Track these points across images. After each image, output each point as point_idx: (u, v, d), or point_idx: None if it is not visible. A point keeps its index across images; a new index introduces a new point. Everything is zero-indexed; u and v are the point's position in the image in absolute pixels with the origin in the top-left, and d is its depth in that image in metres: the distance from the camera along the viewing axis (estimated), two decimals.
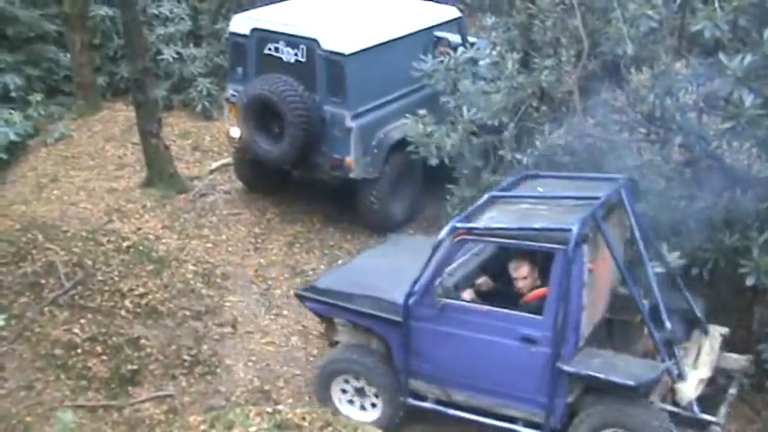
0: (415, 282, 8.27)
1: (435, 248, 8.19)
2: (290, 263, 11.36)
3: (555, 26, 9.80)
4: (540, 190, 8.72)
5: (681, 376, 8.05)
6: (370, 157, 11.39)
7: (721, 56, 8.24)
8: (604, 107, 9.70)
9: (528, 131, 9.81)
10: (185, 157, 13.75)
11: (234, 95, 11.92)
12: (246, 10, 12.78)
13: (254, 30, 11.66)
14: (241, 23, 11.86)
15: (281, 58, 11.50)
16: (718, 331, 8.78)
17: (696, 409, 7.97)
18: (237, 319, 10.32)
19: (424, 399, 8.65)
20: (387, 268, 9.09)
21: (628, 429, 7.81)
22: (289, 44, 11.42)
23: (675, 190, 8.99)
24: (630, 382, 7.64)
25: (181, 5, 16.21)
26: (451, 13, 12.72)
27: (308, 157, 11.48)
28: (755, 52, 8.22)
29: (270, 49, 11.58)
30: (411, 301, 8.31)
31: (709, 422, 7.95)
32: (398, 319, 8.39)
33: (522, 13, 10.24)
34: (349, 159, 11.32)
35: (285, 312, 10.53)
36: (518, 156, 9.66)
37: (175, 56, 15.45)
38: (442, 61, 10.41)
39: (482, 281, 8.67)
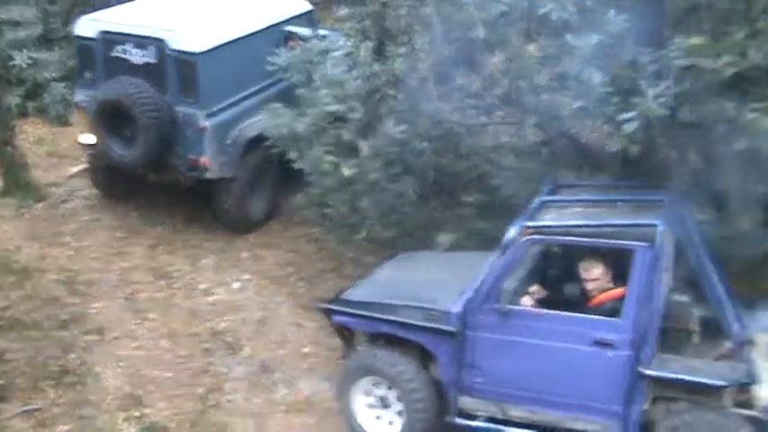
0: (478, 288, 7.90)
1: (504, 249, 7.83)
2: (154, 265, 11.17)
3: (408, 14, 9.84)
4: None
5: (756, 379, 7.58)
6: (225, 156, 11.24)
7: (569, 37, 8.40)
8: (460, 92, 9.81)
9: (380, 119, 9.81)
10: (42, 165, 13.43)
11: (84, 101, 11.60)
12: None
13: (100, 32, 11.36)
14: (87, 26, 11.55)
15: (129, 61, 11.25)
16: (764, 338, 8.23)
17: None
18: (104, 326, 10.08)
19: (472, 418, 8.16)
20: (423, 279, 8.66)
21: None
22: (137, 45, 11.18)
23: (532, 170, 9.14)
24: (721, 383, 7.43)
25: (31, 9, 15.69)
26: (302, 6, 12.67)
27: (163, 160, 11.26)
28: (602, 32, 8.40)
29: (118, 52, 11.31)
30: (470, 308, 7.90)
31: None
32: (452, 329, 7.95)
33: (375, 2, 10.25)
34: (204, 159, 11.14)
35: (151, 316, 10.32)
36: (363, 142, 9.64)
37: (29, 61, 14.96)
38: (301, 57, 10.34)
39: (535, 288, 8.21)
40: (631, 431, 7.70)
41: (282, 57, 10.51)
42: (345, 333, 8.74)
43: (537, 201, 8.39)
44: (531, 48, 9.63)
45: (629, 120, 8.00)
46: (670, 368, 7.57)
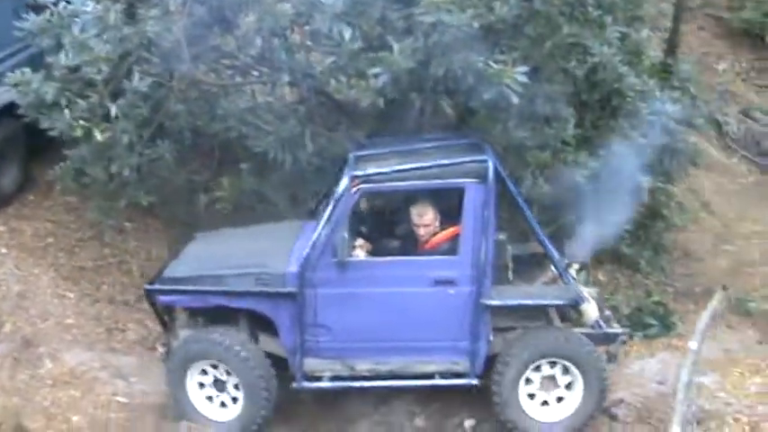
0: (313, 243, 7.77)
1: (336, 202, 7.75)
2: None
3: None
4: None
5: (583, 298, 8.10)
6: None
7: None
8: (214, 52, 9.76)
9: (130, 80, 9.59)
10: None
11: None
12: None
13: None
14: None
15: None
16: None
17: (603, 324, 8.18)
18: None
19: (318, 379, 8.12)
20: (241, 250, 8.45)
21: (559, 357, 7.97)
22: None
23: (289, 129, 9.23)
24: (562, 302, 7.93)
25: None
26: None
27: None
28: None
29: None
30: (307, 265, 7.77)
31: (616, 334, 8.21)
32: (291, 289, 7.81)
33: None
34: None
35: None
36: (109, 104, 9.33)
37: None
38: (49, 20, 9.92)
39: (360, 242, 8.13)
40: (478, 365, 8.00)
41: (31, 21, 10.07)
42: (165, 318, 8.55)
43: (351, 156, 8.44)
44: (285, 6, 9.70)
45: (377, 74, 8.19)
46: (510, 296, 7.96)
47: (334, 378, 8.13)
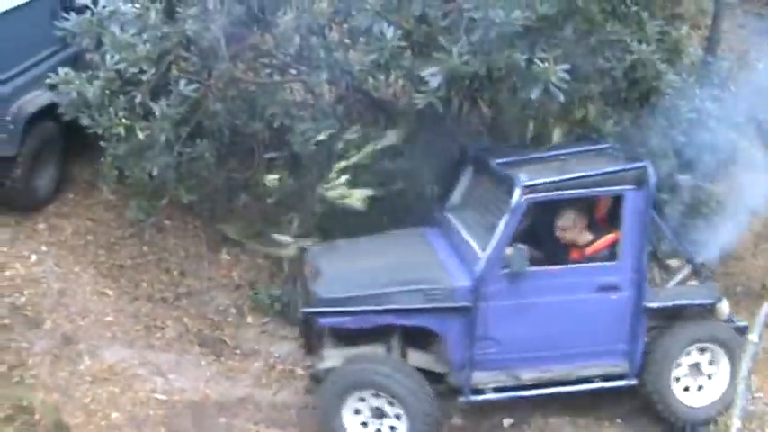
0: (489, 257, 7.79)
1: (512, 213, 7.79)
2: None
3: None
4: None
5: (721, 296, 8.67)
6: (5, 133, 10.37)
7: None
8: (253, 51, 9.80)
9: (175, 80, 9.64)
10: None
11: None
12: None
13: None
14: None
15: None
16: None
17: (734, 318, 8.74)
18: None
19: (481, 392, 8.13)
20: (389, 265, 8.32)
21: (712, 342, 8.52)
22: None
23: (328, 126, 9.25)
24: (711, 301, 8.42)
25: None
26: None
27: None
28: None
29: None
30: (482, 278, 7.77)
31: (745, 326, 8.58)
32: (465, 304, 7.80)
33: None
34: None
35: None
36: (153, 104, 9.42)
37: None
38: (90, 20, 9.97)
39: (524, 248, 7.90)
40: (636, 365, 8.30)
41: (71, 22, 10.14)
42: (310, 341, 8.52)
43: (498, 161, 8.49)
44: (323, 4, 9.72)
45: (433, 75, 8.18)
46: (666, 298, 8.32)
47: (498, 390, 8.18)
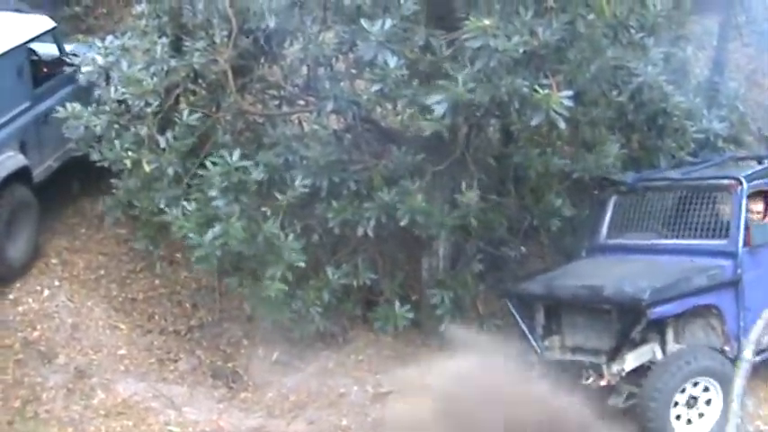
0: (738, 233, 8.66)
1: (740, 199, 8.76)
2: None
3: (205, 8, 9.79)
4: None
5: None
6: None
7: (363, 22, 8.55)
8: (260, 83, 9.87)
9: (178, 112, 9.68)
10: None
11: None
12: None
13: None
14: None
15: None
16: None
17: None
18: None
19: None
20: (646, 269, 8.88)
21: None
22: None
23: (335, 155, 9.29)
24: None
25: None
26: (44, 24, 11.03)
27: None
28: (394, 16, 8.58)
29: None
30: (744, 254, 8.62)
31: None
32: (734, 277, 8.59)
33: None
34: None
35: None
36: (160, 137, 9.50)
37: None
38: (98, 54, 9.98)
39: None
40: None
41: (80, 57, 10.24)
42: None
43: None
44: (329, 35, 9.78)
45: (438, 102, 8.24)
46: None
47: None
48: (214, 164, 8.98)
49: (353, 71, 9.40)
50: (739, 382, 7.10)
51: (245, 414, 9.27)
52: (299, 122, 10.19)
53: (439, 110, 8.26)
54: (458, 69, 8.31)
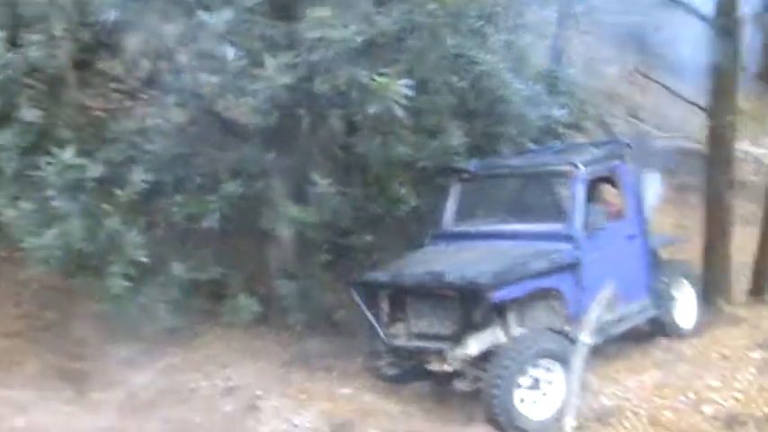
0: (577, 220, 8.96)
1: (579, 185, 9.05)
2: None
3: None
4: None
5: None
6: None
7: (202, 14, 8.48)
8: (101, 77, 9.69)
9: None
10: None
11: None
12: None
13: None
14: None
15: None
16: None
17: None
18: None
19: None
20: (482, 251, 9.04)
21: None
22: None
23: (179, 148, 9.21)
24: None
25: None
26: None
27: None
28: (233, 8, 8.55)
29: None
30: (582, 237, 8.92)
31: None
32: (573, 260, 8.84)
33: None
34: None
35: None
36: None
37: None
38: None
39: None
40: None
41: None
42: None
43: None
44: (169, 27, 9.65)
45: (256, 91, 8.25)
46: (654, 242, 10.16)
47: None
48: (48, 163, 8.75)
49: (195, 64, 9.31)
50: (578, 365, 7.29)
51: (96, 415, 9.07)
52: (142, 117, 10.03)
53: (256, 98, 8.32)
54: (274, 56, 8.33)
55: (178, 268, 9.32)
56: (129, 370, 9.55)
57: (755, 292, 11.71)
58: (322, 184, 9.15)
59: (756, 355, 9.12)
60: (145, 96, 9.94)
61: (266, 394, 8.73)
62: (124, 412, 9.09)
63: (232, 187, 9.06)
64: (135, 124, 9.59)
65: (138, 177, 8.96)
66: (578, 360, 7.28)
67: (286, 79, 8.21)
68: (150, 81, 9.68)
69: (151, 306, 9.26)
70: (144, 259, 8.91)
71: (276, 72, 8.17)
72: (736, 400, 8.23)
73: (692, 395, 8.40)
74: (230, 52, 8.34)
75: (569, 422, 6.91)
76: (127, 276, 8.87)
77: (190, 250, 9.60)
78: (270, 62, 8.23)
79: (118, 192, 8.98)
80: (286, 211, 9.11)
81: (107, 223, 8.81)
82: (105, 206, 9.02)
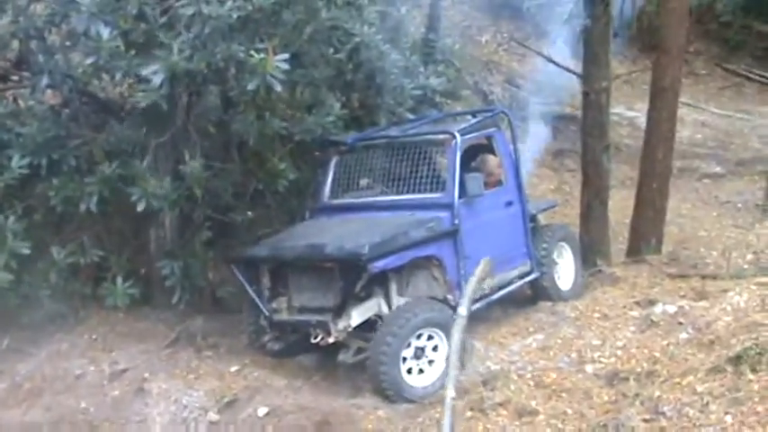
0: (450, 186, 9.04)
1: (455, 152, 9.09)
2: None
3: None
4: None
5: None
6: None
7: None
8: None
9: None
10: None
11: None
12: None
13: None
14: None
15: None
16: None
17: None
18: None
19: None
20: (362, 222, 9.12)
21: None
22: None
23: (53, 131, 9.03)
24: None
25: None
26: None
27: None
28: None
29: None
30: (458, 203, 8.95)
31: None
32: (452, 228, 8.90)
33: None
34: None
35: None
36: None
37: None
38: None
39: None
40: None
41: None
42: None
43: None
44: (39, 7, 9.42)
45: (155, 73, 8.13)
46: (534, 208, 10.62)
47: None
48: None
49: (67, 44, 9.11)
50: (456, 338, 7.41)
51: None
52: (14, 99, 9.77)
53: (156, 80, 8.18)
54: (172, 38, 8.23)
55: (58, 253, 9.17)
56: (12, 359, 9.36)
57: (633, 252, 12.01)
58: (192, 162, 9.07)
59: (635, 313, 9.36)
60: (16, 78, 9.65)
61: (153, 376, 8.63)
62: (7, 403, 8.92)
63: (108, 169, 8.90)
64: (6, 107, 9.35)
65: (16, 162, 8.78)
66: (456, 332, 7.39)
67: (186, 63, 8.14)
68: (21, 62, 9.41)
69: (33, 294, 9.08)
70: (25, 251, 8.75)
71: (178, 55, 8.09)
72: (617, 357, 8.44)
73: (574, 355, 8.61)
74: (105, 31, 8.16)
75: (450, 393, 7.01)
76: (8, 268, 8.68)
77: (69, 234, 9.43)
78: (174, 45, 8.14)
79: None
80: (153, 190, 8.91)
81: None
82: None
